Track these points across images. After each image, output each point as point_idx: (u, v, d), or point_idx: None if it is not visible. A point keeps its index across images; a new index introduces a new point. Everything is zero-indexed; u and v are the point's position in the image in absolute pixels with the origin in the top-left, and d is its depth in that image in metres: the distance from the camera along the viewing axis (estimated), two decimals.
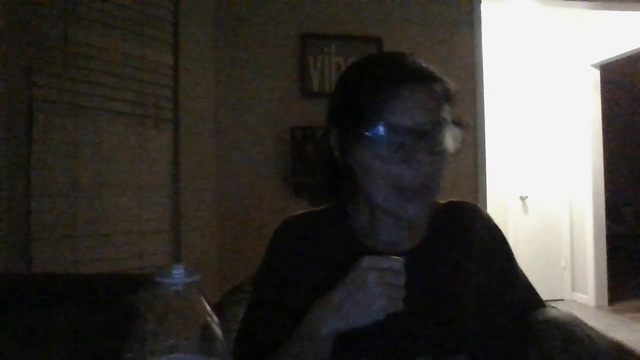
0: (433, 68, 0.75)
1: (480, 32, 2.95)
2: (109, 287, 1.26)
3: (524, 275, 0.87)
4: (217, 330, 0.46)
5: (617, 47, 4.16)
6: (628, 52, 4.12)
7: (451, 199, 0.88)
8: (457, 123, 0.73)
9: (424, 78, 0.73)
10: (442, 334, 0.76)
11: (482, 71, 2.94)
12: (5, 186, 1.70)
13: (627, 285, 4.90)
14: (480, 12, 2.96)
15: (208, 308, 0.47)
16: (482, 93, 2.94)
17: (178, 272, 0.45)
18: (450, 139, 0.72)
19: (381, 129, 0.70)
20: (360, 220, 0.82)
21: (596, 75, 4.46)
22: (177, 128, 2.32)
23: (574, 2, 3.29)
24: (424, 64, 0.75)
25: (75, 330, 1.11)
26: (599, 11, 3.63)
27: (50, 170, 1.83)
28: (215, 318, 0.47)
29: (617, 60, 4.30)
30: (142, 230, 2.15)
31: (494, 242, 0.86)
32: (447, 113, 0.73)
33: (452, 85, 0.76)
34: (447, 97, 0.74)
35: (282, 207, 2.64)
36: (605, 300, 4.45)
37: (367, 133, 0.71)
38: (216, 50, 2.61)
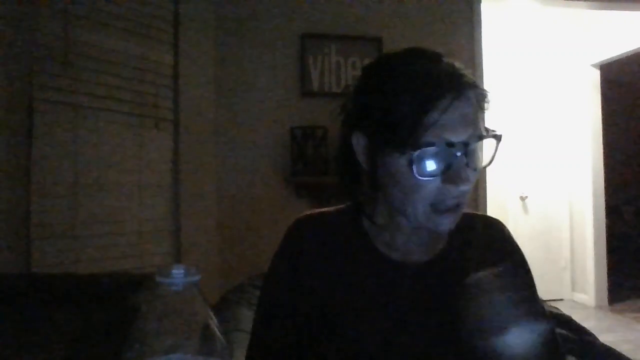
0: (469, 76, 0.68)
1: (480, 32, 2.95)
2: (109, 287, 1.26)
3: (541, 302, 0.80)
4: (217, 330, 0.46)
5: (617, 47, 4.16)
6: (628, 52, 4.12)
7: (473, 212, 0.83)
8: (494, 134, 0.69)
9: (466, 87, 0.66)
10: (452, 350, 0.71)
11: (482, 71, 2.95)
12: (5, 186, 1.70)
13: (627, 285, 4.90)
14: (480, 12, 2.96)
15: (208, 308, 0.47)
16: None
17: (178, 272, 0.45)
18: (494, 152, 0.69)
19: (424, 147, 0.64)
20: (376, 225, 0.78)
21: (596, 75, 4.46)
22: (177, 128, 2.32)
23: (574, 2, 3.29)
24: (462, 70, 0.69)
25: (75, 330, 1.11)
26: (599, 11, 3.64)
27: (50, 170, 1.83)
28: (215, 318, 0.46)
29: (617, 60, 4.30)
30: (142, 230, 2.15)
31: (515, 263, 0.81)
32: (484, 123, 0.69)
33: (486, 90, 0.71)
34: (483, 105, 0.70)
35: (282, 207, 2.64)
36: (605, 300, 4.45)
37: (407, 149, 0.65)
38: (216, 50, 2.61)
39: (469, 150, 0.66)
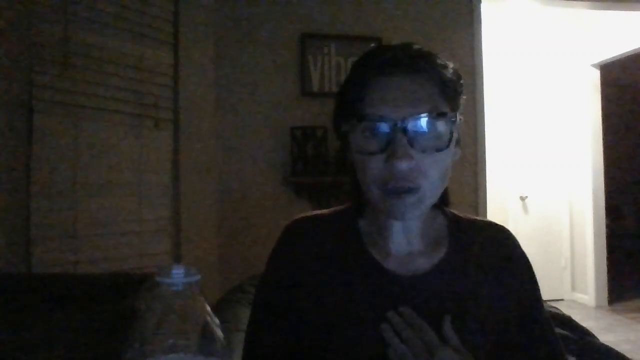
0: (428, 58, 0.69)
1: (480, 32, 2.95)
2: (109, 287, 1.26)
3: (547, 314, 0.78)
4: (217, 330, 0.46)
5: (617, 47, 4.16)
6: (628, 52, 4.12)
7: (475, 217, 0.81)
8: (440, 112, 0.66)
9: (407, 68, 0.67)
10: None
11: (482, 71, 2.94)
12: (5, 186, 1.70)
13: (627, 285, 4.90)
14: (480, 12, 2.96)
15: (208, 308, 0.46)
16: (482, 93, 2.94)
17: (178, 272, 0.45)
18: (440, 134, 0.66)
19: (357, 120, 0.67)
20: (369, 226, 0.77)
21: (596, 75, 4.46)
22: (177, 128, 2.32)
23: (574, 2, 3.29)
24: (415, 54, 0.69)
25: (75, 330, 1.11)
26: (599, 11, 3.64)
27: (50, 171, 1.83)
28: (215, 318, 0.46)
29: (617, 60, 4.30)
30: (142, 230, 2.15)
31: (521, 271, 0.77)
32: (440, 105, 0.67)
33: (449, 76, 0.69)
34: (442, 88, 0.68)
35: (282, 206, 2.64)
36: (605, 300, 4.45)
37: (346, 126, 0.69)
38: (216, 50, 2.61)
39: (409, 128, 0.64)
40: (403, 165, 0.64)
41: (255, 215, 2.62)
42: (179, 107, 2.32)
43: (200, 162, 2.47)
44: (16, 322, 1.12)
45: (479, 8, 2.96)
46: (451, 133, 0.67)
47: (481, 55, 2.94)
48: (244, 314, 1.13)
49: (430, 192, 0.68)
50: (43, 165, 1.81)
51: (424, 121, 0.65)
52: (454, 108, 0.70)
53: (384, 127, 0.65)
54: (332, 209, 0.83)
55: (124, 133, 2.11)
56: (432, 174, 0.67)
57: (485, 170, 2.96)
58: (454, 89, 0.70)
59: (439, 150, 0.66)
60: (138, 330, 0.45)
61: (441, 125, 0.67)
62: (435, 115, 0.66)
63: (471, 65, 2.90)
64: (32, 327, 1.11)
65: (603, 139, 4.47)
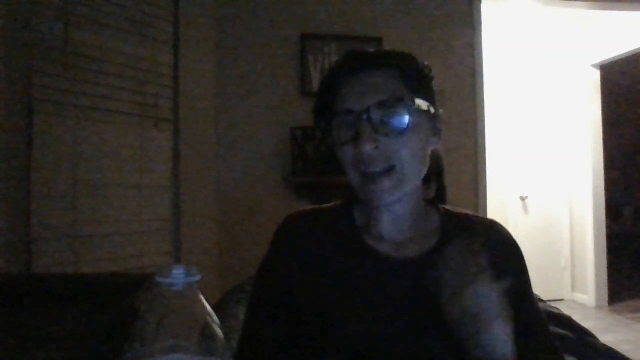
0: (392, 54, 0.76)
1: (480, 32, 2.95)
2: (109, 287, 1.27)
3: (538, 307, 0.79)
4: (217, 330, 0.46)
5: (617, 47, 4.16)
6: (628, 52, 4.12)
7: (474, 213, 0.84)
8: (405, 100, 0.72)
9: (371, 65, 0.74)
10: (443, 350, 0.70)
11: (482, 71, 2.94)
12: (5, 186, 1.70)
13: (627, 285, 4.90)
14: (480, 12, 2.96)
15: (208, 308, 0.46)
16: (482, 93, 2.94)
17: (178, 272, 0.45)
18: (401, 117, 0.72)
19: (330, 117, 0.75)
20: (362, 217, 0.81)
21: (596, 75, 4.46)
22: (177, 128, 2.32)
23: (574, 2, 3.29)
24: (381, 52, 0.77)
25: (75, 330, 1.11)
26: (599, 11, 3.64)
27: (50, 171, 1.83)
28: (215, 318, 0.46)
29: (617, 60, 4.30)
30: (142, 230, 2.15)
31: (511, 263, 0.79)
32: (400, 93, 0.73)
33: (412, 67, 0.75)
34: (404, 79, 0.74)
35: (282, 207, 2.64)
36: (605, 300, 4.45)
37: (322, 123, 0.76)
38: (216, 51, 2.61)
39: (372, 115, 0.71)
40: (367, 147, 0.70)
41: (255, 215, 2.62)
42: (179, 107, 2.32)
43: (200, 162, 2.47)
44: (16, 322, 1.12)
45: (479, 8, 2.96)
46: (415, 116, 0.73)
47: (481, 55, 2.94)
48: (244, 314, 1.13)
49: (407, 175, 0.73)
50: (43, 165, 1.81)
51: (384, 107, 0.72)
52: (420, 96, 0.75)
53: (351, 118, 0.72)
54: (328, 204, 0.86)
55: (124, 133, 2.11)
56: (403, 155, 0.72)
57: (485, 170, 2.96)
58: (417, 78, 0.75)
59: (402, 132, 0.72)
60: (138, 330, 0.45)
61: (401, 109, 0.72)
62: (394, 100, 0.72)
63: (471, 65, 2.90)
64: (32, 327, 1.12)
65: (603, 139, 4.47)
